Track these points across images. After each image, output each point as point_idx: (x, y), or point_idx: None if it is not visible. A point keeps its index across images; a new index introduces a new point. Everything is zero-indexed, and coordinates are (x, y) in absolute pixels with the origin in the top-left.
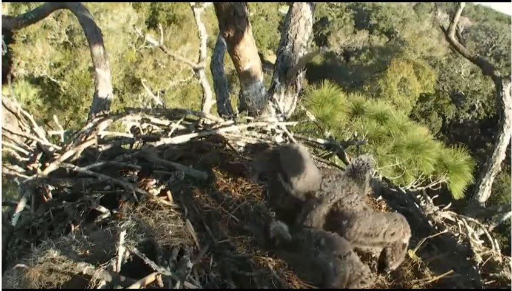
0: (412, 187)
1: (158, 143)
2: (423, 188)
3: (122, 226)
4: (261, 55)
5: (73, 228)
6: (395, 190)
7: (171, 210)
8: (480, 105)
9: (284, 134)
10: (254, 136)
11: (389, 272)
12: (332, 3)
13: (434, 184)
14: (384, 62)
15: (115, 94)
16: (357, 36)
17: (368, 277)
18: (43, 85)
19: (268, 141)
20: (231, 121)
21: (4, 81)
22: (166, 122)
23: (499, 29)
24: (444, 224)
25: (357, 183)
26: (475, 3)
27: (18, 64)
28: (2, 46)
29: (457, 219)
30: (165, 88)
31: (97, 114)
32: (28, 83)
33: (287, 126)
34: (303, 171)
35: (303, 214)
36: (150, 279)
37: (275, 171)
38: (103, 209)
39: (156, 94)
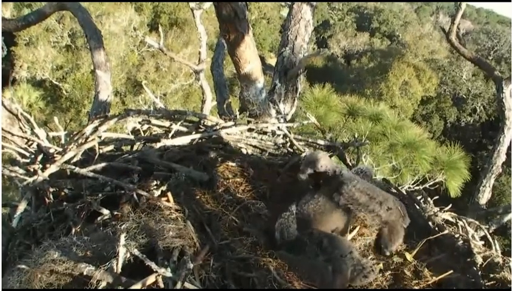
0: (409, 187)
1: (159, 144)
2: (421, 187)
3: (122, 227)
4: (262, 58)
5: (73, 229)
6: (395, 190)
7: (172, 211)
8: (482, 108)
9: (285, 136)
10: (254, 137)
11: (387, 253)
12: (334, 6)
13: (432, 183)
14: (385, 65)
15: (117, 97)
16: (357, 38)
17: (370, 271)
18: (45, 88)
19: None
20: (231, 123)
21: (5, 83)
22: (167, 124)
23: (501, 32)
24: (445, 225)
25: None
26: (477, 6)
27: (20, 67)
28: (2, 48)
29: (457, 220)
30: (167, 90)
31: (97, 116)
32: (31, 86)
33: (287, 127)
34: (319, 155)
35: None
36: (150, 280)
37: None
38: (104, 210)
39: (157, 97)
